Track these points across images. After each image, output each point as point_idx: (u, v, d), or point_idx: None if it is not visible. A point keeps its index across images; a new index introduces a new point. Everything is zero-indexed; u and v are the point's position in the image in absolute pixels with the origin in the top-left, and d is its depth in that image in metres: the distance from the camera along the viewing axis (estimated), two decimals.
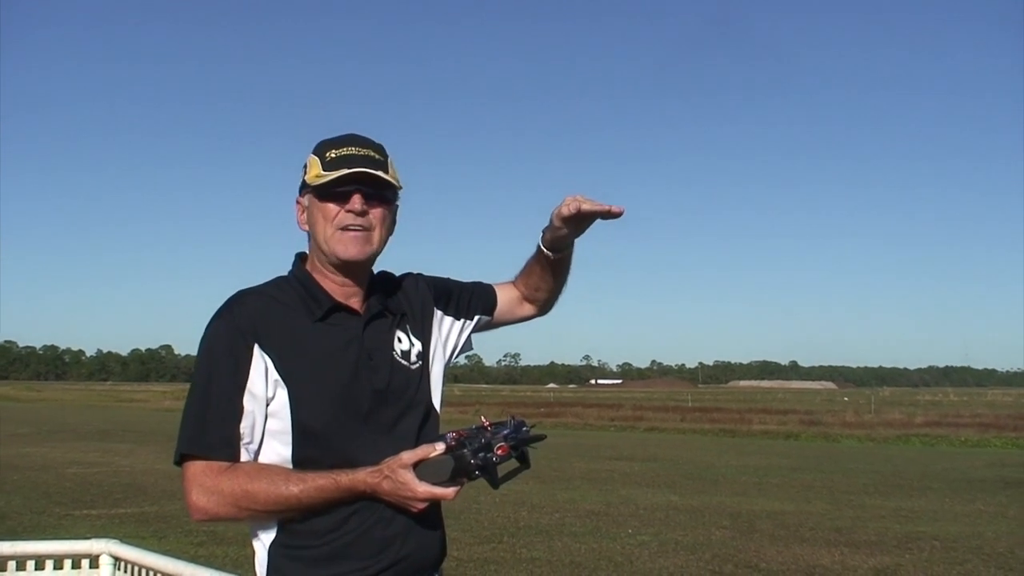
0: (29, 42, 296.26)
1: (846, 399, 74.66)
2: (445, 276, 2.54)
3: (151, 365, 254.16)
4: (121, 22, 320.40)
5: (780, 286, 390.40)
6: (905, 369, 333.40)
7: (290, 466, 2.12)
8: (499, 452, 2.01)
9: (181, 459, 2.11)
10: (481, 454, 2.01)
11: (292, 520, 2.11)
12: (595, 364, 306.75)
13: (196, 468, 2.08)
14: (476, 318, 2.52)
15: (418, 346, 2.33)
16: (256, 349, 2.11)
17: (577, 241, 2.42)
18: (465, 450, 2.02)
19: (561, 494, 14.68)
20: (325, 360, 2.15)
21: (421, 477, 2.02)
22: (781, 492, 15.55)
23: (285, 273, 2.29)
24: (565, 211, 2.27)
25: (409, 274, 2.47)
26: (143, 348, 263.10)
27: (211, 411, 2.09)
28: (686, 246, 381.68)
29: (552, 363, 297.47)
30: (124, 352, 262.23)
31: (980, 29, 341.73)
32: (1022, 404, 59.77)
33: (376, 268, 2.35)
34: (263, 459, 2.13)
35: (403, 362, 2.27)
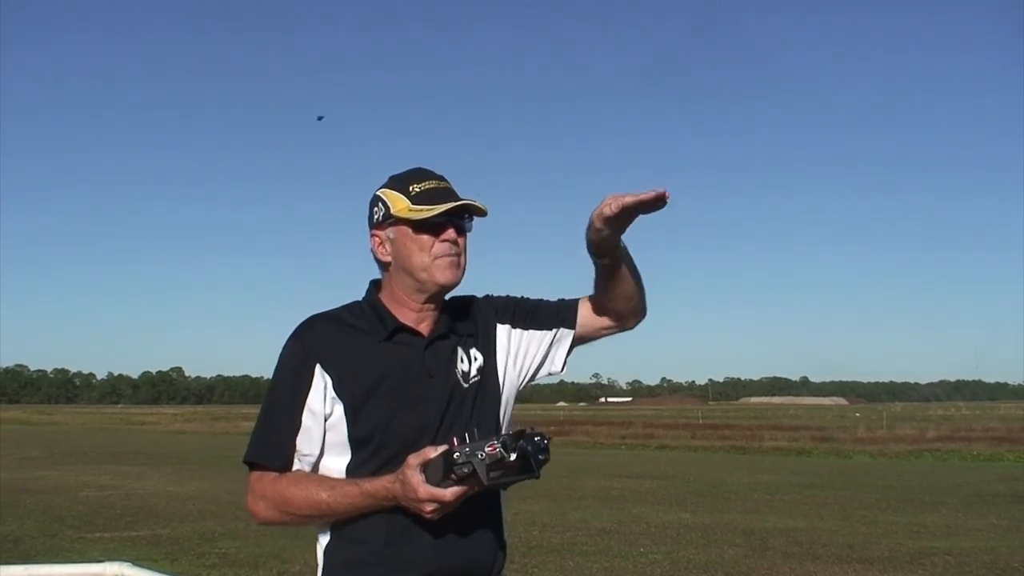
0: (36, 49, 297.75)
1: (857, 415, 74.43)
2: (520, 296, 2.58)
3: (162, 388, 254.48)
4: (143, 29, 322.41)
5: (790, 301, 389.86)
6: (916, 383, 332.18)
7: (343, 469, 2.28)
8: (488, 450, 2.01)
9: (249, 467, 2.32)
10: (468, 449, 2.02)
11: (340, 525, 2.26)
12: (605, 382, 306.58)
13: (253, 477, 2.30)
14: (554, 331, 2.51)
15: (479, 363, 2.41)
16: (317, 368, 2.28)
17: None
18: (455, 448, 2.03)
19: (572, 513, 14.67)
20: (383, 378, 2.28)
21: (427, 479, 2.07)
22: (793, 509, 15.51)
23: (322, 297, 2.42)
24: (608, 211, 2.17)
25: (475, 296, 2.55)
26: (154, 371, 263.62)
27: (271, 424, 2.30)
28: (694, 262, 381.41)
29: (561, 381, 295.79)
30: (135, 375, 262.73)
31: (983, 30, 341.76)
32: None
33: None
34: (322, 471, 2.30)
35: (463, 383, 2.36)
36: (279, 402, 2.29)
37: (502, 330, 2.48)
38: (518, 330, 2.50)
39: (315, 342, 2.30)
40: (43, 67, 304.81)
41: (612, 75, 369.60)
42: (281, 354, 2.33)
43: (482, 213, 2.34)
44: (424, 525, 2.19)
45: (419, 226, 2.31)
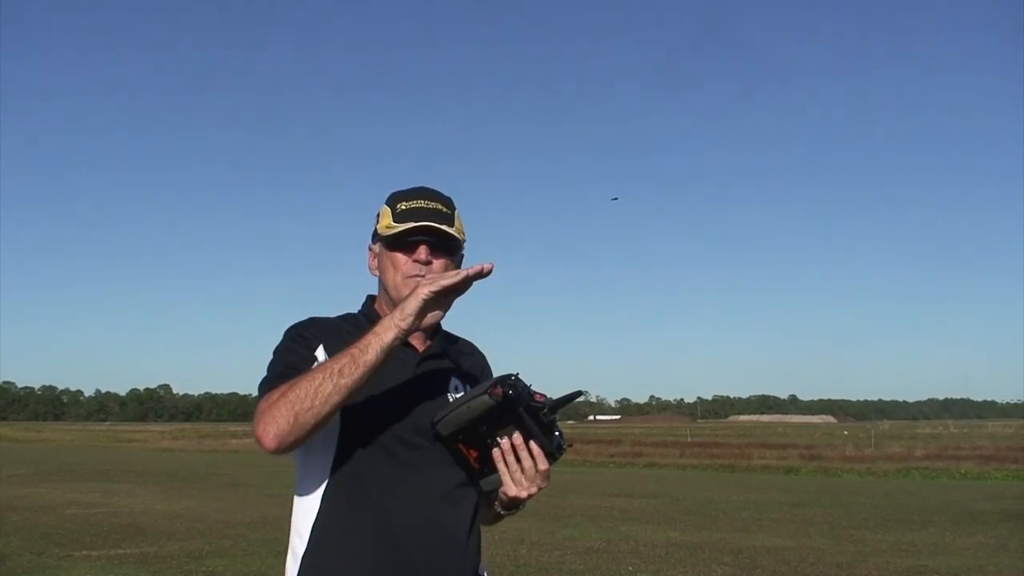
0: (30, 55, 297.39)
1: (846, 433, 74.54)
2: None
3: (149, 405, 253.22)
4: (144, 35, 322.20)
5: (778, 320, 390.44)
6: (905, 402, 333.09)
7: (328, 475, 2.25)
8: (538, 398, 2.10)
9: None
10: (523, 381, 2.11)
11: (314, 558, 2.21)
12: (593, 400, 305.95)
13: (263, 400, 2.17)
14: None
15: None
16: (320, 348, 2.28)
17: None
18: (515, 374, 2.10)
19: (560, 531, 14.64)
20: (375, 383, 2.21)
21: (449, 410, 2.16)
22: (781, 528, 15.51)
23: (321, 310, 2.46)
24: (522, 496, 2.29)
25: (476, 347, 2.59)
26: (141, 388, 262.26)
27: (279, 372, 2.22)
28: (684, 279, 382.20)
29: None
30: (122, 392, 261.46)
31: (983, 35, 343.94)
32: (1022, 436, 59.57)
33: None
34: (306, 468, 2.28)
35: None
36: (283, 358, 2.27)
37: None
38: None
39: (315, 331, 2.32)
40: (28, 82, 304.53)
41: (611, 83, 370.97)
42: (282, 338, 2.34)
43: (449, 237, 2.32)
44: (404, 564, 2.19)
45: (391, 244, 2.33)
